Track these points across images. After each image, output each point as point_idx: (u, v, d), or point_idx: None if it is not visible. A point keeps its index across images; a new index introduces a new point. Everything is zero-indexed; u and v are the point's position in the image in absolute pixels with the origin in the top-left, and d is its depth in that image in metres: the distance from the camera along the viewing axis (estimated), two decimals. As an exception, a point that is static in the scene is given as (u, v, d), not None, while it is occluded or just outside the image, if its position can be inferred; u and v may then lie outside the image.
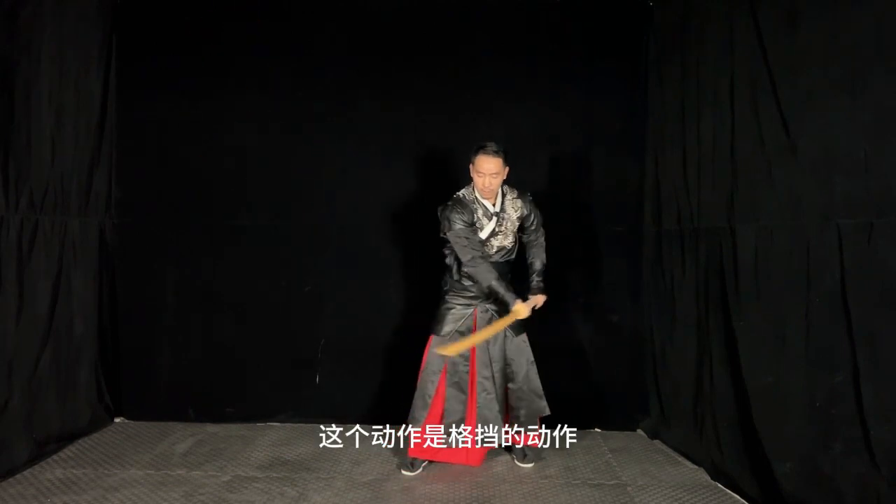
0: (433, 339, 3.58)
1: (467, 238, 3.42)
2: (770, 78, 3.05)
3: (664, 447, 4.04)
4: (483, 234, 3.50)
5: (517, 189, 3.63)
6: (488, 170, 3.39)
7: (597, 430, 4.34)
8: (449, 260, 3.62)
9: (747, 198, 3.27)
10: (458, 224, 3.41)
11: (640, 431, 4.33)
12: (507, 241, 3.58)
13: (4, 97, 3.38)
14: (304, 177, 4.38)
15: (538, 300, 3.58)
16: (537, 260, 3.70)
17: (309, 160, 4.38)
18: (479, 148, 3.42)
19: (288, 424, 4.33)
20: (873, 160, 2.49)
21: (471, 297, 3.58)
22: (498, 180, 3.44)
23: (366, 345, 4.34)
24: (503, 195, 3.57)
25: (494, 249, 3.55)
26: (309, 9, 4.36)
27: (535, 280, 3.66)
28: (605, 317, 4.38)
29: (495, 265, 3.49)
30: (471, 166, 3.47)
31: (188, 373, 4.36)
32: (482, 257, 3.43)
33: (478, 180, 3.44)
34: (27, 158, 3.53)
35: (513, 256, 3.64)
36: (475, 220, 3.48)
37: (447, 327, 3.56)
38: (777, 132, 3.02)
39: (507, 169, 3.48)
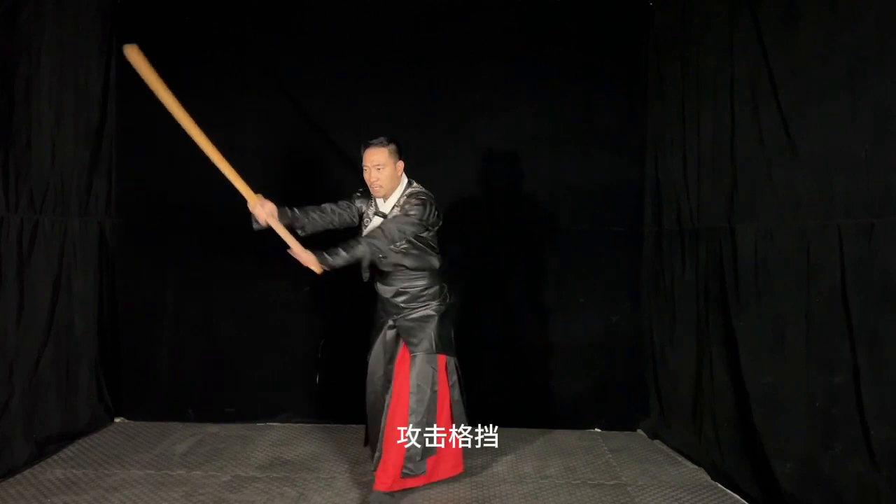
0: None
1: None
2: (770, 78, 3.06)
3: (664, 447, 4.04)
4: (365, 231, 3.22)
5: (422, 189, 3.24)
6: (372, 162, 3.13)
7: (597, 430, 4.35)
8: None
9: (747, 198, 3.28)
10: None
11: (640, 431, 4.33)
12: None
13: (4, 97, 3.38)
14: (304, 176, 4.38)
15: (302, 253, 2.98)
16: (352, 241, 3.01)
17: (309, 160, 4.39)
18: (365, 143, 3.17)
19: (288, 424, 4.33)
20: (873, 160, 2.50)
21: (381, 309, 3.34)
22: (384, 174, 3.13)
23: (366, 344, 4.32)
24: (401, 192, 3.22)
25: (381, 254, 3.18)
26: (309, 9, 4.36)
27: (331, 249, 2.98)
28: (605, 317, 4.37)
29: (387, 274, 3.26)
30: None
31: (188, 373, 4.36)
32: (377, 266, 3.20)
33: (364, 175, 3.18)
34: (27, 158, 3.53)
35: (406, 263, 3.23)
36: (365, 212, 3.28)
37: (372, 345, 3.34)
38: (777, 132, 3.02)
39: (399, 164, 3.18)
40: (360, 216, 3.30)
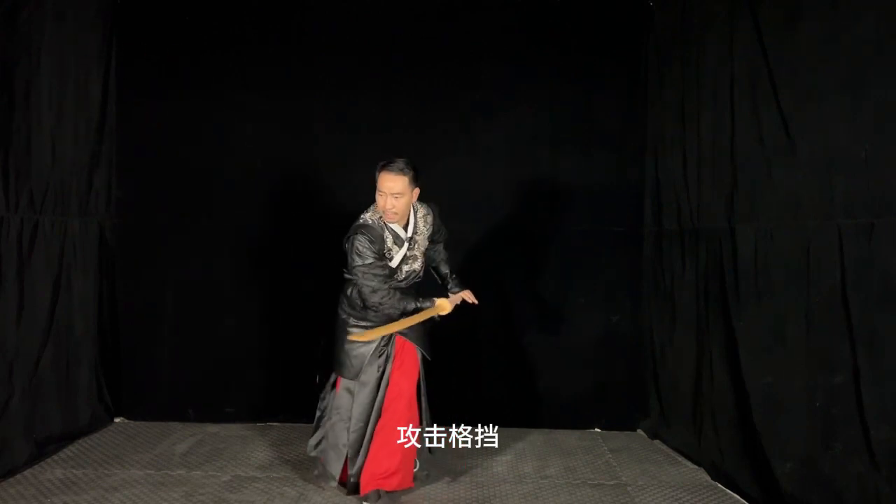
0: (342, 382, 3.19)
1: (377, 275, 3.00)
2: (770, 78, 3.06)
3: (664, 447, 4.04)
4: (394, 263, 3.11)
5: (422, 202, 3.23)
6: (390, 189, 2.98)
7: (597, 430, 4.35)
8: (353, 290, 3.15)
9: (747, 198, 3.28)
10: (370, 258, 2.98)
11: (640, 431, 4.34)
12: (417, 263, 3.21)
13: (4, 97, 3.37)
14: (304, 176, 4.39)
15: (465, 294, 3.25)
16: (443, 264, 3.43)
17: (309, 160, 4.39)
18: (383, 165, 3.03)
19: (288, 424, 4.33)
20: (873, 160, 2.49)
21: (383, 321, 3.13)
22: (402, 202, 3.00)
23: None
24: (413, 213, 3.17)
25: (404, 275, 3.17)
26: (309, 9, 4.36)
27: (453, 278, 3.41)
28: (605, 317, 4.38)
29: (403, 291, 3.15)
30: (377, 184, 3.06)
31: (188, 373, 4.36)
32: (393, 288, 3.06)
33: (379, 200, 3.03)
34: (27, 158, 3.53)
35: (420, 277, 3.28)
36: (385, 249, 3.06)
37: (368, 367, 3.13)
38: (777, 132, 3.02)
39: (416, 190, 3.08)
40: (383, 257, 3.07)
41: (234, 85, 4.36)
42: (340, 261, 4.50)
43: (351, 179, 4.35)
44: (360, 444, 3.15)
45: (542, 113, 4.36)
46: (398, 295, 3.06)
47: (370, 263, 2.99)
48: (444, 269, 3.45)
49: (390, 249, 3.09)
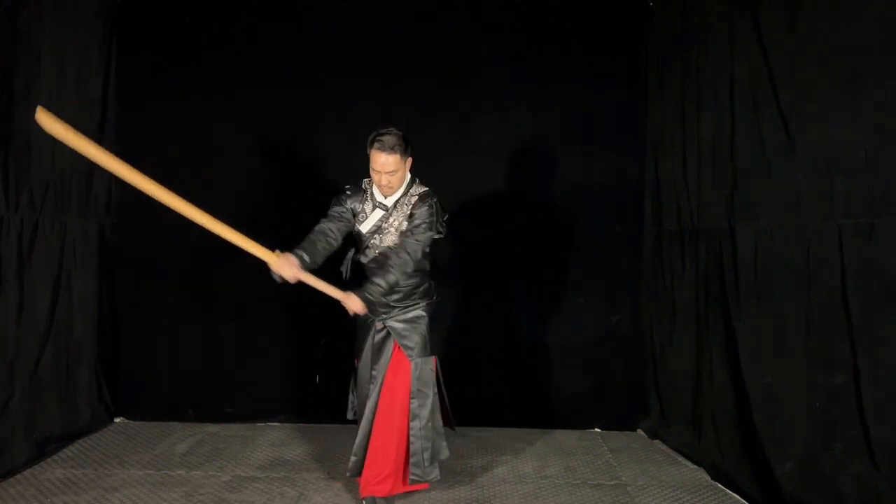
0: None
1: (328, 214, 3.10)
2: (770, 78, 3.06)
3: (664, 447, 4.04)
4: (364, 228, 3.07)
5: (426, 188, 3.11)
6: (383, 166, 2.93)
7: (597, 430, 4.35)
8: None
9: (747, 198, 3.28)
10: (332, 207, 3.10)
11: (640, 431, 4.34)
12: (387, 244, 3.08)
13: (4, 97, 3.38)
14: (304, 176, 4.38)
15: (347, 299, 2.90)
16: (381, 271, 2.96)
17: (309, 160, 4.39)
18: (373, 142, 2.94)
19: (288, 424, 4.33)
20: (873, 160, 2.50)
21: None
22: (397, 177, 2.98)
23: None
24: (406, 190, 3.08)
25: (377, 252, 3.10)
26: (309, 9, 4.36)
27: (367, 286, 2.92)
28: (605, 317, 4.37)
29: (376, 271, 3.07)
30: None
31: (188, 373, 4.36)
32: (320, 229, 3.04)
33: (374, 177, 3.00)
34: (27, 158, 3.53)
35: None
36: (360, 209, 3.10)
37: (363, 346, 3.17)
38: (777, 132, 3.02)
39: (409, 160, 3.03)
40: (354, 215, 3.12)
41: (233, 85, 4.36)
42: (339, 261, 4.49)
43: (351, 179, 4.35)
44: (363, 442, 3.11)
45: (542, 113, 4.36)
46: (379, 279, 2.95)
47: (329, 213, 3.11)
48: (375, 277, 2.96)
49: (364, 212, 3.10)
